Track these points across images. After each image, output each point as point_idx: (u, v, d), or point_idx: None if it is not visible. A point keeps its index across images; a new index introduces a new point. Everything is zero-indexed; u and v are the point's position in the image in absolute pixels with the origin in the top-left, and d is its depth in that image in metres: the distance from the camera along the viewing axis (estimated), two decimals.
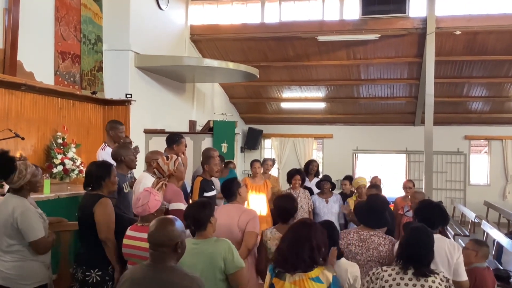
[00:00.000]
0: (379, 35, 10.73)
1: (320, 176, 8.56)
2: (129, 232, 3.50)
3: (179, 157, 4.68)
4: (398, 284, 2.87)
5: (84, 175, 7.30)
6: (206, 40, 11.91)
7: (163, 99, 10.34)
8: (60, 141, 7.37)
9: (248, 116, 15.74)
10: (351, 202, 6.70)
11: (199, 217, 3.27)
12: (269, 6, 11.76)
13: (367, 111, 14.70)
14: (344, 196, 7.39)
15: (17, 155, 6.05)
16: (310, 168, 8.33)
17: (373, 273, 3.02)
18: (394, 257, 3.69)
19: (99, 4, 8.73)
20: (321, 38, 10.99)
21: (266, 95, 14.49)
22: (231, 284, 3.16)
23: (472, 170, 14.97)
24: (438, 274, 2.94)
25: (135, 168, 4.98)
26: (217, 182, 6.13)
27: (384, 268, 3.07)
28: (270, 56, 12.20)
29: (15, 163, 3.54)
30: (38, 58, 7.29)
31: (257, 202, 7.10)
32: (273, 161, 8.50)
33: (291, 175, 7.05)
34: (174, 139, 5.96)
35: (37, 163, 6.87)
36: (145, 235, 3.35)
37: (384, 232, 4.01)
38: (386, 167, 15.99)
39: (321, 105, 14.65)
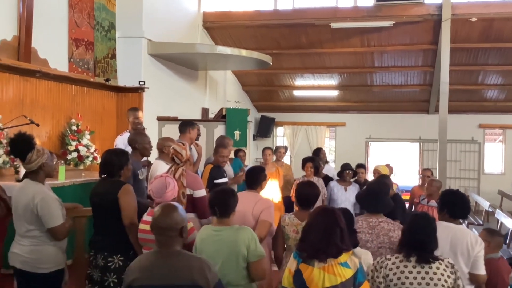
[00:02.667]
0: (394, 22, 10.60)
1: (329, 163, 8.54)
2: (146, 217, 3.52)
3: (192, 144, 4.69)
4: (402, 272, 2.87)
5: (98, 162, 7.47)
6: (219, 27, 11.86)
7: (175, 87, 10.34)
8: (74, 128, 7.42)
9: (260, 104, 15.71)
10: None
11: (227, 204, 3.29)
12: None
13: (381, 99, 14.58)
14: (358, 185, 7.34)
15: None
16: (320, 156, 8.30)
17: (377, 262, 3.02)
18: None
19: None
20: (335, 25, 10.89)
21: (278, 83, 14.43)
22: (251, 272, 3.17)
23: (487, 159, 14.83)
24: (442, 260, 2.94)
25: (149, 156, 5.00)
26: (229, 170, 6.14)
27: (388, 256, 3.06)
28: (283, 43, 12.13)
29: (33, 142, 3.56)
30: (52, 45, 7.32)
31: (269, 189, 7.10)
32: (286, 148, 8.49)
33: (302, 162, 7.02)
34: (189, 123, 5.96)
35: (52, 150, 6.91)
36: None
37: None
38: (399, 156, 15.91)
39: (334, 93, 14.57)
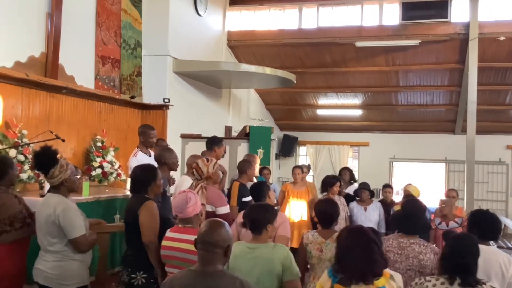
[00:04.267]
0: (420, 41, 10.51)
1: (355, 182, 8.45)
2: (169, 233, 3.45)
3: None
4: None
5: (122, 179, 7.46)
6: (243, 46, 11.91)
7: (199, 104, 10.37)
8: (99, 144, 7.46)
9: (283, 123, 15.65)
10: (397, 208, 6.51)
11: (257, 219, 3.24)
12: (306, 11, 11.68)
13: (405, 119, 14.39)
14: (384, 205, 7.21)
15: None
16: (343, 176, 8.19)
17: (416, 283, 2.89)
18: (435, 268, 3.55)
19: (139, 9, 8.83)
20: (359, 43, 10.84)
21: (302, 102, 14.38)
22: None
23: None
24: (485, 284, 2.80)
25: (176, 170, 4.97)
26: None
27: (428, 278, 2.93)
28: (306, 62, 12.11)
29: (57, 157, 3.55)
30: (79, 62, 7.41)
31: (298, 208, 7.03)
32: (308, 167, 8.38)
33: (328, 183, 6.90)
34: (215, 141, 5.93)
35: (78, 165, 7.00)
36: (187, 237, 3.33)
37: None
38: (424, 177, 15.62)
39: (358, 112, 14.44)
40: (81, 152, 7.35)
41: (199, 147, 6.83)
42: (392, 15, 10.96)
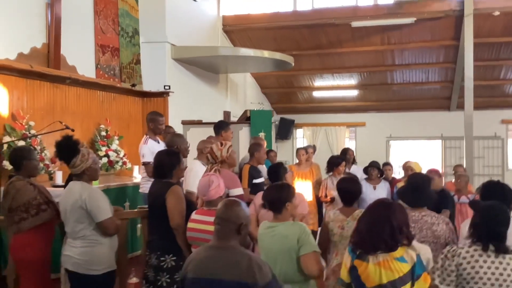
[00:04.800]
0: (415, 19, 10.54)
1: (357, 163, 8.52)
2: (194, 216, 3.52)
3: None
4: (477, 261, 2.81)
5: (128, 167, 7.48)
6: (238, 30, 11.89)
7: (198, 90, 10.39)
8: (103, 133, 7.48)
9: (279, 106, 15.67)
10: (400, 185, 6.58)
11: (275, 199, 3.29)
12: None
13: (401, 98, 14.49)
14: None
15: None
16: (347, 157, 8.26)
17: (448, 251, 2.95)
18: (448, 237, 3.63)
19: None
20: (355, 23, 10.86)
21: (297, 84, 14.41)
22: (302, 267, 3.14)
23: (510, 155, 14.64)
24: None
25: (186, 156, 5.00)
26: (263, 169, 6.13)
27: (460, 245, 3.00)
28: (302, 44, 12.11)
29: (78, 146, 3.59)
30: (79, 52, 7.40)
31: (303, 189, 7.10)
32: (314, 148, 8.46)
33: (334, 163, 6.97)
34: (222, 126, 5.97)
35: None
36: (211, 219, 3.36)
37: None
38: (421, 154, 15.76)
39: (354, 93, 14.51)
40: (86, 141, 7.32)
41: (200, 133, 6.86)
42: None
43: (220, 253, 2.58)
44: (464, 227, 3.65)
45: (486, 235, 2.85)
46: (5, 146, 5.61)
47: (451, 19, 10.72)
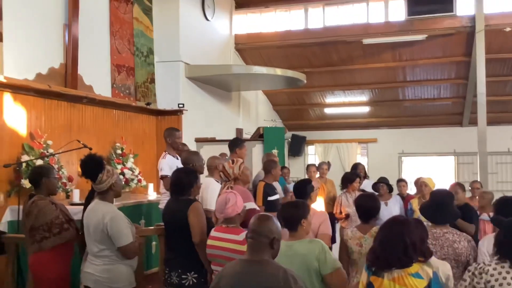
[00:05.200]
0: (426, 35, 10.60)
1: (369, 178, 8.51)
2: (213, 233, 3.55)
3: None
4: (505, 278, 2.81)
5: (143, 185, 7.54)
6: (250, 48, 12.04)
7: (211, 108, 10.48)
8: (119, 151, 7.56)
9: (291, 123, 15.71)
10: (415, 203, 6.59)
11: (290, 216, 3.29)
12: (312, 12, 11.79)
13: (412, 114, 14.48)
14: (401, 199, 7.29)
15: None
16: (358, 171, 8.27)
17: (475, 268, 2.95)
18: (469, 254, 3.62)
19: (149, 17, 8.94)
20: (367, 41, 10.94)
21: (309, 101, 14.48)
22: (330, 285, 3.14)
23: None
24: None
25: (202, 173, 5.04)
26: (278, 186, 6.16)
27: (487, 263, 3.00)
28: (314, 61, 12.21)
29: (103, 163, 3.65)
30: (96, 72, 7.53)
31: (314, 206, 7.09)
32: (329, 164, 8.48)
33: (348, 179, 6.99)
34: (237, 143, 6.03)
35: None
36: (231, 236, 3.44)
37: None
38: (433, 170, 15.69)
39: (365, 109, 14.54)
40: None
41: (213, 150, 6.92)
42: (398, 11, 11.07)
43: (254, 267, 2.59)
44: (482, 244, 3.66)
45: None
46: (24, 165, 5.70)
47: (463, 36, 10.77)
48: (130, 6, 8.42)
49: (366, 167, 15.10)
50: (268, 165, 5.69)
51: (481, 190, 7.00)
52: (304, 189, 4.36)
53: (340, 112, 14.85)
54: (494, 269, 2.87)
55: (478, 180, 10.35)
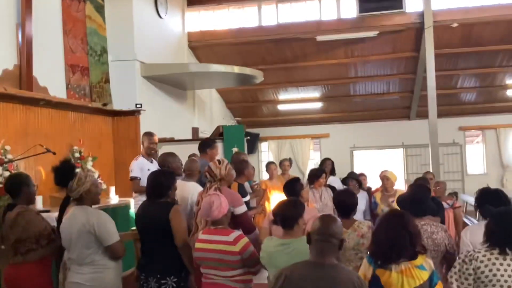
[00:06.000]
0: (378, 32, 10.86)
1: (335, 174, 8.63)
2: (201, 236, 3.49)
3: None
4: (494, 264, 2.91)
5: (103, 188, 7.30)
6: (204, 46, 11.93)
7: (167, 108, 10.32)
8: (77, 155, 7.29)
9: (244, 120, 15.68)
10: (378, 196, 6.73)
11: (288, 214, 3.29)
12: (266, 9, 11.82)
13: (363, 108, 14.83)
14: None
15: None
16: (324, 167, 8.36)
17: (465, 255, 3.05)
18: (448, 244, 3.74)
19: (102, 15, 8.65)
20: (320, 37, 11.08)
21: (262, 98, 14.53)
22: None
23: (469, 160, 15.19)
24: None
25: (181, 175, 4.93)
26: (246, 186, 6.13)
27: (477, 250, 3.09)
28: (268, 58, 12.25)
29: (75, 171, 3.52)
30: (50, 72, 7.24)
31: (276, 202, 7.10)
32: (290, 161, 8.52)
33: (314, 175, 7.04)
34: (208, 144, 5.97)
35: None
36: (220, 238, 3.40)
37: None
38: (383, 163, 16.11)
39: (318, 105, 14.75)
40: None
41: (173, 150, 6.73)
42: (350, 8, 11.28)
43: (329, 272, 2.54)
44: (465, 235, 3.78)
45: (503, 239, 2.95)
46: None
47: (412, 32, 11.12)
48: (83, 4, 8.13)
49: (319, 162, 15.48)
50: (240, 165, 5.62)
51: (434, 180, 7.25)
52: (294, 187, 4.39)
53: (293, 109, 14.99)
54: (484, 255, 2.97)
55: (431, 171, 10.78)
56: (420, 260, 2.74)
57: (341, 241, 2.62)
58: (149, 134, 6.05)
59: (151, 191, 3.81)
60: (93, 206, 5.73)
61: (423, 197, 3.97)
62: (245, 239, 3.43)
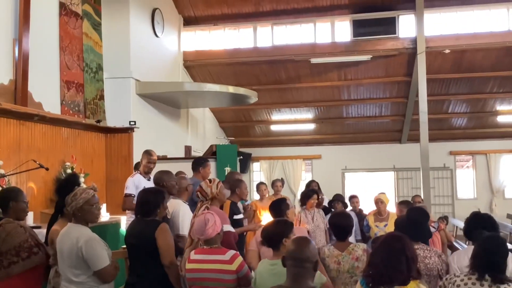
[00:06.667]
0: (371, 56, 11.00)
1: (323, 196, 8.65)
2: (194, 256, 3.46)
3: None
4: None
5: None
6: (198, 65, 12.03)
7: (161, 126, 10.34)
8: (69, 171, 7.26)
9: (236, 140, 15.66)
10: (371, 219, 6.75)
11: (272, 235, 3.31)
12: (261, 30, 11.94)
13: (355, 131, 14.94)
14: (355, 213, 7.45)
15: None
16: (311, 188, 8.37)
17: (445, 279, 3.08)
18: (441, 269, 3.76)
19: (98, 32, 8.71)
20: (314, 60, 11.21)
21: (255, 118, 14.60)
22: None
23: (459, 185, 15.29)
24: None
25: (175, 194, 4.92)
26: (240, 205, 6.14)
27: (457, 274, 3.12)
28: (262, 79, 12.36)
29: (75, 186, 3.51)
30: (45, 88, 7.24)
31: (266, 222, 7.10)
32: (282, 181, 8.53)
33: (306, 195, 7.07)
34: (200, 162, 5.99)
35: (48, 194, 6.81)
36: (215, 257, 3.39)
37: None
38: (374, 185, 16.18)
39: (311, 126, 14.83)
40: (51, 180, 7.08)
41: (166, 168, 6.74)
42: (344, 32, 11.43)
43: None
44: (453, 260, 3.80)
45: (484, 265, 2.98)
46: None
47: (404, 56, 11.28)
48: (80, 21, 8.19)
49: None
50: (234, 184, 5.64)
51: (422, 204, 7.31)
52: (280, 207, 4.40)
53: (286, 129, 15.06)
54: (462, 280, 3.00)
55: (421, 194, 10.85)
56: (412, 285, 2.73)
57: (315, 263, 2.64)
58: (148, 153, 6.06)
59: (139, 209, 3.81)
60: None
61: (422, 221, 3.99)
62: (240, 258, 3.42)
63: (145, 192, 3.91)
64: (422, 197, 10.75)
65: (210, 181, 4.38)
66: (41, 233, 4.46)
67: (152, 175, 6.02)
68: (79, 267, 3.34)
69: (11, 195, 3.84)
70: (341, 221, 4.03)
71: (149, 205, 3.77)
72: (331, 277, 3.85)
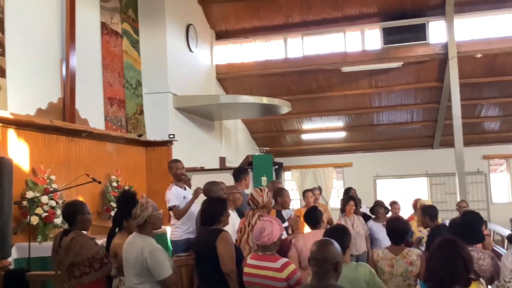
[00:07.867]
0: (402, 63, 11.07)
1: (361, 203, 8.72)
2: (250, 260, 3.61)
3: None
4: None
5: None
6: (231, 78, 12.27)
7: (197, 138, 10.58)
8: (114, 184, 7.52)
9: (268, 150, 15.89)
10: (414, 224, 6.80)
11: (343, 244, 3.39)
12: (291, 41, 12.13)
13: (386, 138, 14.95)
14: None
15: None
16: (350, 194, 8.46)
17: (496, 286, 3.15)
18: (494, 271, 3.83)
19: (137, 50, 9.04)
20: (345, 69, 11.33)
21: (286, 128, 14.76)
22: None
23: (493, 189, 15.13)
24: None
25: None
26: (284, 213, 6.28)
27: (507, 279, 3.20)
28: (293, 89, 12.53)
29: (135, 197, 3.69)
30: (90, 105, 7.55)
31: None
32: (320, 189, 8.65)
33: (346, 202, 7.18)
34: (243, 171, 6.15)
35: (94, 207, 7.09)
36: (267, 264, 3.52)
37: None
38: (407, 192, 16.11)
39: (341, 134, 14.91)
40: (98, 193, 7.39)
41: (203, 179, 6.94)
42: (374, 40, 11.53)
43: None
44: (506, 259, 3.87)
45: None
46: (24, 202, 5.62)
47: (435, 62, 11.31)
48: (120, 39, 8.51)
49: (342, 190, 15.51)
50: (276, 193, 5.77)
51: (468, 208, 7.32)
52: (315, 215, 4.59)
53: (317, 138, 15.17)
54: None
55: (457, 199, 10.81)
56: (474, 286, 2.81)
57: (336, 264, 2.73)
58: (172, 162, 6.26)
59: (203, 218, 3.97)
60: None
61: (474, 225, 4.06)
62: (292, 266, 3.52)
63: (208, 202, 4.07)
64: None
65: (260, 190, 4.53)
66: None
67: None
68: (143, 276, 3.51)
69: (77, 209, 4.04)
70: (399, 225, 4.10)
71: (211, 215, 3.92)
72: (384, 279, 3.95)
